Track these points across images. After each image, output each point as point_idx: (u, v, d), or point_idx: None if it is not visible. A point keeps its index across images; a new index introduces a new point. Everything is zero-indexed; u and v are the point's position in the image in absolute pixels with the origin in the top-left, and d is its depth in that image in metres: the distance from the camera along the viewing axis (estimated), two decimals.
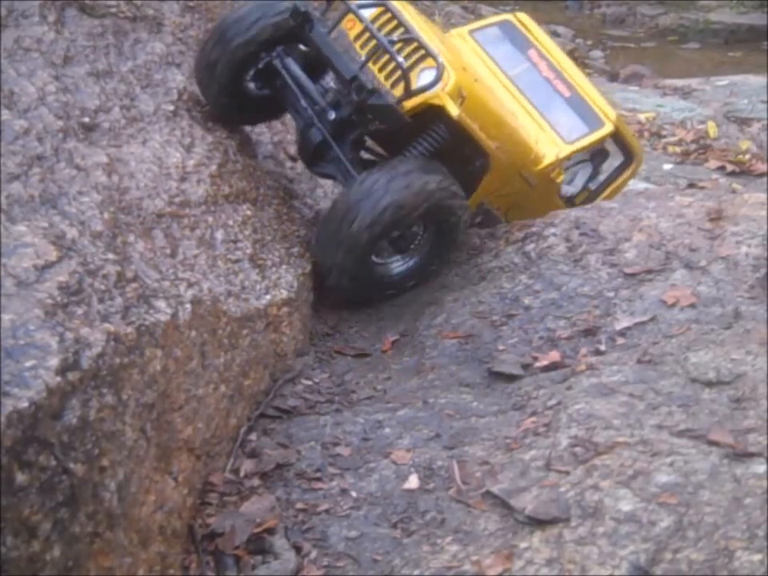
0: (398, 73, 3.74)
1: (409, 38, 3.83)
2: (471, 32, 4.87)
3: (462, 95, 3.87)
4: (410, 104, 3.72)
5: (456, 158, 3.99)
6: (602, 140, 4.75)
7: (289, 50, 3.96)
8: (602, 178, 5.11)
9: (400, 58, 3.70)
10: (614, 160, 5.19)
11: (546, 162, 4.39)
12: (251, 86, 4.02)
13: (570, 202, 4.83)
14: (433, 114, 3.83)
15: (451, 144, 3.95)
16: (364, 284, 3.81)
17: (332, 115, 3.80)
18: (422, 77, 3.75)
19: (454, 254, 4.13)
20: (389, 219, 3.59)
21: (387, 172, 3.65)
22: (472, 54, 4.66)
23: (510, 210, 4.49)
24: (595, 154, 5.04)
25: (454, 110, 3.79)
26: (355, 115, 3.78)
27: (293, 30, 3.88)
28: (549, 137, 4.47)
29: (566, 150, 4.49)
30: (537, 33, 4.96)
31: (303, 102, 3.87)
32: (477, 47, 4.75)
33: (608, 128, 4.70)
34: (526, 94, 4.59)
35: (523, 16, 5.08)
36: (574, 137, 4.58)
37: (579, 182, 5.01)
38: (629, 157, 5.07)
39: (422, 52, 3.79)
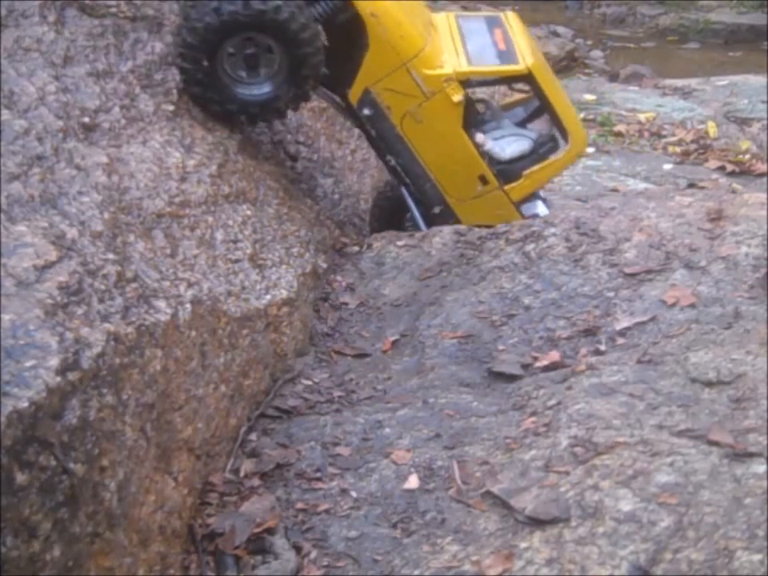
0: None
1: None
2: (457, 16, 5.07)
3: None
4: None
5: (344, 48, 4.32)
6: (507, 74, 4.72)
7: None
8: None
9: None
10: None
11: (442, 71, 4.47)
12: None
13: (497, 168, 4.76)
14: None
15: (337, 11, 4.21)
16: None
17: None
18: None
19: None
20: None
21: None
22: (442, 23, 4.85)
23: (405, 117, 4.50)
24: (541, 142, 4.95)
25: None
26: None
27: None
28: (456, 58, 4.58)
29: (465, 68, 4.53)
30: (515, 26, 5.02)
31: None
32: (452, 21, 4.91)
33: (519, 66, 4.65)
34: (463, 40, 4.73)
35: (512, 15, 5.17)
36: (482, 64, 4.64)
37: (509, 151, 4.87)
38: (564, 136, 4.95)
39: None
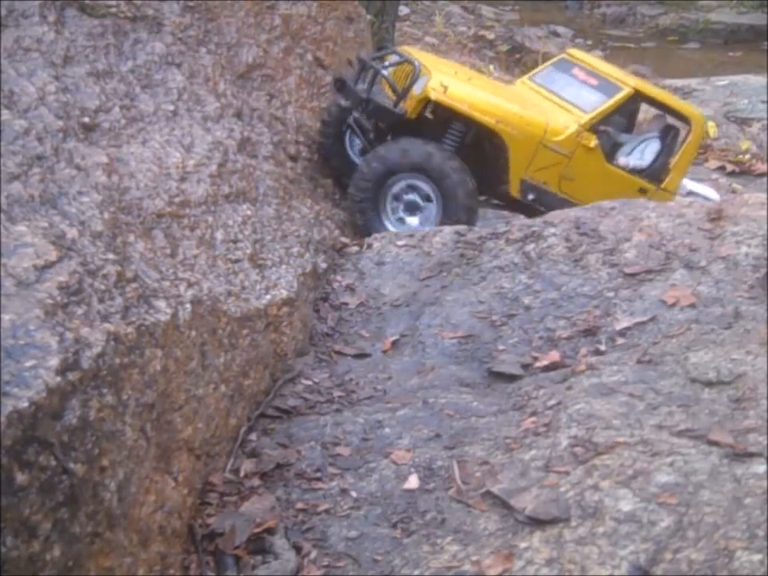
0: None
1: (401, 61, 5.05)
2: (530, 78, 5.87)
3: (443, 86, 4.85)
4: (410, 106, 4.90)
5: (483, 152, 5.06)
6: (621, 102, 5.31)
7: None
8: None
9: (383, 72, 5.00)
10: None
11: (570, 131, 5.09)
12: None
13: (646, 175, 5.35)
14: (442, 116, 5.03)
15: (465, 132, 5.00)
16: None
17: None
18: (417, 85, 4.90)
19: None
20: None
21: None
22: (523, 91, 5.58)
23: (561, 182, 5.12)
24: (665, 131, 5.59)
25: (432, 94, 4.82)
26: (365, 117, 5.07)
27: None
28: (570, 114, 5.21)
29: (586, 118, 5.18)
30: (583, 57, 5.74)
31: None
32: (530, 85, 5.68)
33: (627, 90, 5.29)
34: (558, 96, 5.41)
35: (573, 50, 6.00)
36: (593, 106, 5.26)
37: (648, 156, 5.47)
38: (685, 122, 5.59)
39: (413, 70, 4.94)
